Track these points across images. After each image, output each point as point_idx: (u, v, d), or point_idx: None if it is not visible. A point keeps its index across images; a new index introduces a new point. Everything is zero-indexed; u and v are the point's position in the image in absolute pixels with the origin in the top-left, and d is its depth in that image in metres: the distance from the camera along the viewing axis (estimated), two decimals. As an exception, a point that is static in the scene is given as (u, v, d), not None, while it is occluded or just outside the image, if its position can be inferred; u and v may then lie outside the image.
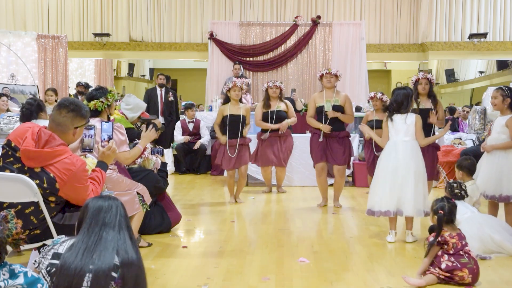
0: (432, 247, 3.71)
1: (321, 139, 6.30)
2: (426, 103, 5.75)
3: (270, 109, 7.26)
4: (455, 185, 4.77)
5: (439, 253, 3.71)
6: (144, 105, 5.56)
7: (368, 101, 7.39)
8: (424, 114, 5.60)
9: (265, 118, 7.30)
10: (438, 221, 3.76)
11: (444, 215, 3.76)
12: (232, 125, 6.69)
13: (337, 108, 6.30)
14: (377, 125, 7.07)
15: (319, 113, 6.34)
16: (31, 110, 4.75)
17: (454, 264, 3.62)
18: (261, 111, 7.33)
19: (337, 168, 6.40)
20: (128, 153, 4.18)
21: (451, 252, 3.66)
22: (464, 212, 4.58)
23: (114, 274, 2.30)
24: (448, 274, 3.62)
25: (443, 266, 3.64)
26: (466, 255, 3.66)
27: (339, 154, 6.31)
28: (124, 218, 2.46)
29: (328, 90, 6.35)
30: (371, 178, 7.19)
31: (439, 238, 3.70)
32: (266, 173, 7.58)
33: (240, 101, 6.82)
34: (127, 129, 5.11)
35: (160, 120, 9.84)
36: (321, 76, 6.38)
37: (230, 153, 6.69)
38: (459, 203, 4.69)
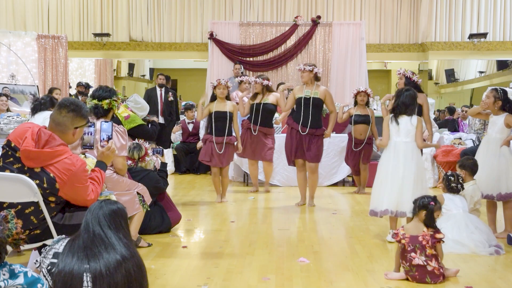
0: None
1: (304, 132, 6.41)
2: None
3: (256, 102, 7.52)
4: (452, 178, 4.79)
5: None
6: (148, 105, 5.83)
7: (354, 98, 7.68)
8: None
9: (251, 109, 7.54)
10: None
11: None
12: (218, 122, 6.79)
13: (317, 100, 6.45)
14: (358, 120, 7.52)
15: (298, 104, 6.52)
16: (45, 103, 5.24)
17: (404, 268, 3.75)
18: (248, 103, 7.64)
19: (309, 165, 6.57)
20: (123, 159, 4.20)
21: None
22: (450, 208, 4.66)
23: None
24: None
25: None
26: (408, 263, 3.70)
27: (313, 151, 6.48)
28: (103, 217, 2.48)
29: (308, 85, 6.52)
30: (351, 167, 7.76)
31: (399, 236, 3.78)
32: (252, 168, 7.74)
33: (227, 98, 6.91)
34: (140, 126, 5.30)
35: (160, 120, 9.85)
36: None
37: (218, 150, 6.75)
38: (450, 198, 4.74)
